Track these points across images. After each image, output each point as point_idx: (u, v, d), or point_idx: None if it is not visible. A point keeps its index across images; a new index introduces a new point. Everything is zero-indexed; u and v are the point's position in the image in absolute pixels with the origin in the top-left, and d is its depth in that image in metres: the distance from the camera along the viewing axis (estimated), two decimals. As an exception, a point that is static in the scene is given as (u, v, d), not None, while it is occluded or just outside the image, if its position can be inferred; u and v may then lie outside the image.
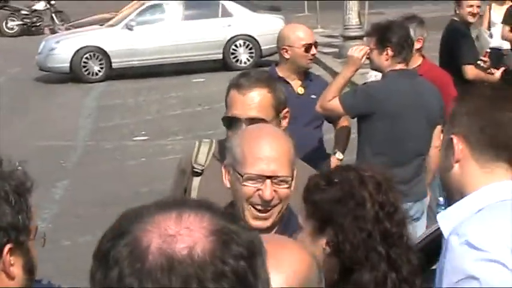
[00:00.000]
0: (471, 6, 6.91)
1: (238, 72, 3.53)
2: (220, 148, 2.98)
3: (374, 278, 2.00)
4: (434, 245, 2.96)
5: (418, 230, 4.12)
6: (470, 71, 6.77)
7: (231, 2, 18.11)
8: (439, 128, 4.95)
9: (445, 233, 2.04)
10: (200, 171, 3.06)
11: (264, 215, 2.41)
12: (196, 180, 3.03)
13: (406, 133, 4.68)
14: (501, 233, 1.98)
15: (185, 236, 1.09)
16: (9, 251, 1.80)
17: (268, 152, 2.41)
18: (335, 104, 4.89)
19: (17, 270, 1.81)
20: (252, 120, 2.84)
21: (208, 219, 1.12)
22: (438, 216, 2.15)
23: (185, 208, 1.14)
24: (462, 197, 2.09)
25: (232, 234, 1.12)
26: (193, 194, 3.00)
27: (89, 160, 10.51)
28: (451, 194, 2.15)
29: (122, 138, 11.72)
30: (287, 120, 3.00)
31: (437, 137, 4.94)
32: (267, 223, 2.40)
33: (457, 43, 6.96)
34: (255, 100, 2.90)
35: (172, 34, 17.29)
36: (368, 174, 2.12)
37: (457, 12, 7.06)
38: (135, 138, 11.88)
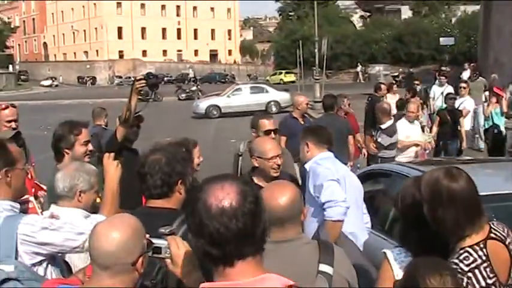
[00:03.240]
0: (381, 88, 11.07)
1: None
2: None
3: None
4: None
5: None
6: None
7: (268, 87, 31.35)
8: (350, 136, 8.50)
9: (307, 168, 4.02)
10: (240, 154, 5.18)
11: (278, 170, 4.03)
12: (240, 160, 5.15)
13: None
14: (329, 167, 3.94)
15: (227, 198, 1.63)
16: (180, 183, 2.54)
17: (274, 145, 4.00)
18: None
19: (182, 191, 2.59)
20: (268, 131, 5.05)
21: (236, 185, 1.65)
22: (306, 165, 3.99)
23: (226, 181, 1.65)
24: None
25: (247, 192, 1.64)
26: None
27: (209, 152, 13.09)
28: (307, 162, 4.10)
29: (224, 140, 17.20)
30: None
31: (351, 139, 8.34)
32: (278, 173, 4.00)
33: (374, 104, 10.33)
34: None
35: (245, 99, 29.10)
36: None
37: (377, 92, 11.02)
38: (231, 141, 15.91)
